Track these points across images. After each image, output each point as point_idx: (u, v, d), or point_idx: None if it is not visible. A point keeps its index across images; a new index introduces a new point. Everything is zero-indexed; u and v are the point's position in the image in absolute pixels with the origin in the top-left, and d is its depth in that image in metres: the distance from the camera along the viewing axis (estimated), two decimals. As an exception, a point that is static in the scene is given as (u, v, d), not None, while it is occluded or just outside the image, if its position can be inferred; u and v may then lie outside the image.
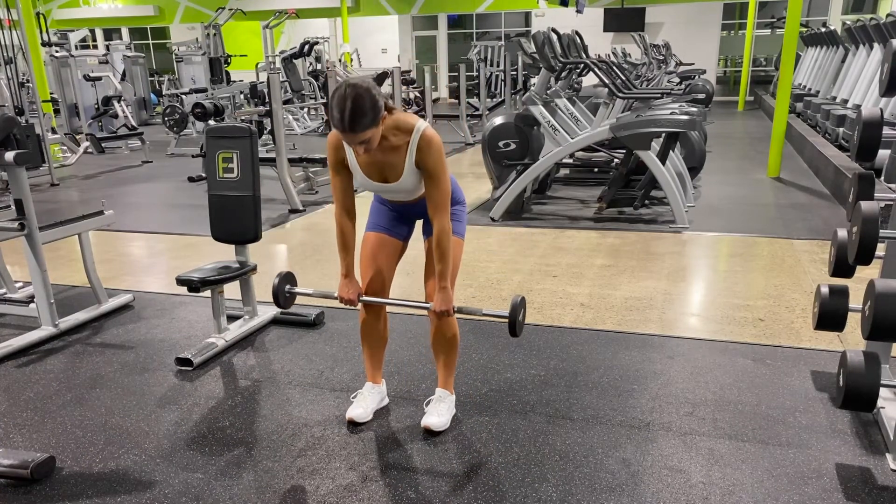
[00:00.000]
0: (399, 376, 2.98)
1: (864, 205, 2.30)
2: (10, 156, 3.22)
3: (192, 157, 8.98)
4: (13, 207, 3.32)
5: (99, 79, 11.05)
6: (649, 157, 5.43)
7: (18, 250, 3.87)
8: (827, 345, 3.21)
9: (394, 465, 2.34)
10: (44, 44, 11.27)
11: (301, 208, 6.33)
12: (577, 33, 6.67)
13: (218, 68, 12.04)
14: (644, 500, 2.13)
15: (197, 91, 11.36)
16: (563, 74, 6.40)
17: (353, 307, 2.51)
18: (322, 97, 12.39)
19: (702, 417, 2.60)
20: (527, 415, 2.65)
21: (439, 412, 2.55)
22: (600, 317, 3.63)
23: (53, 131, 9.17)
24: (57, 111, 10.98)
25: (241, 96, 11.53)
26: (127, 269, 4.73)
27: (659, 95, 6.33)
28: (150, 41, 23.44)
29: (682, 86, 9.47)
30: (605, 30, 17.85)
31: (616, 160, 6.71)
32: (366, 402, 2.63)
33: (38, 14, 10.16)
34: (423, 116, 10.70)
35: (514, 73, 13.62)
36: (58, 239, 3.59)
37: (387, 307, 2.59)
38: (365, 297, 2.48)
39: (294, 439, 2.52)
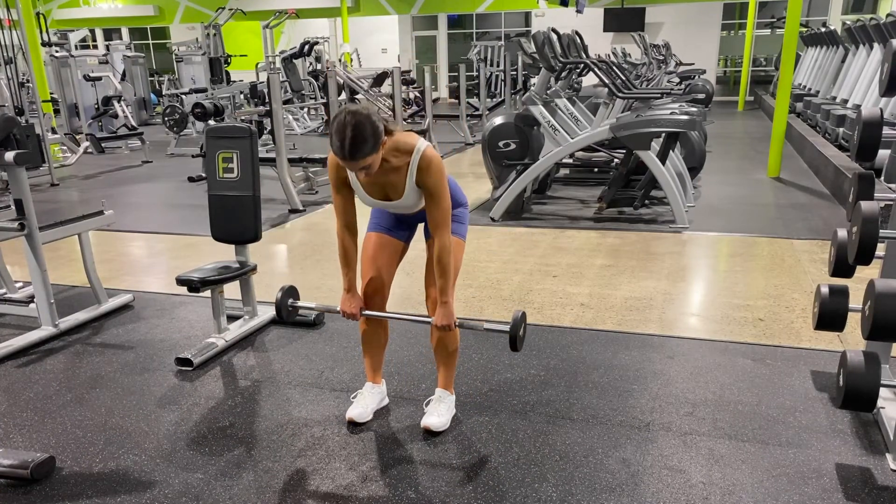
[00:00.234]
0: (399, 376, 2.98)
1: (864, 205, 2.30)
2: (10, 156, 3.22)
3: (192, 157, 8.98)
4: (13, 207, 3.32)
5: (99, 79, 11.06)
6: (649, 157, 5.43)
7: (18, 250, 3.87)
8: (827, 345, 3.21)
9: (394, 465, 2.34)
10: (44, 44, 11.27)
11: (301, 208, 6.33)
12: (577, 33, 6.67)
13: (218, 68, 12.05)
14: (644, 500, 2.13)
15: (197, 91, 11.36)
16: (563, 74, 6.40)
17: (355, 320, 2.53)
18: (322, 97, 12.39)
19: (702, 417, 2.60)
20: (527, 415, 2.64)
21: (439, 412, 2.55)
22: (600, 317, 3.63)
23: (53, 131, 9.17)
24: (57, 111, 10.98)
25: (241, 96, 11.53)
26: (127, 269, 4.73)
27: (659, 95, 6.34)
28: (150, 41, 23.44)
29: (682, 86, 9.48)
30: (605, 30, 17.85)
31: (616, 160, 6.71)
32: (366, 402, 2.63)
33: (38, 14, 10.16)
34: (422, 116, 10.72)
35: (514, 73, 13.62)
36: (58, 239, 3.59)
37: (386, 307, 2.59)
38: (367, 312, 2.50)
39: (294, 439, 2.52)
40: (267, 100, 7.45)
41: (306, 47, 13.07)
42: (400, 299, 3.88)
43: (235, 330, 3.41)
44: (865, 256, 2.29)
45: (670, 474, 2.26)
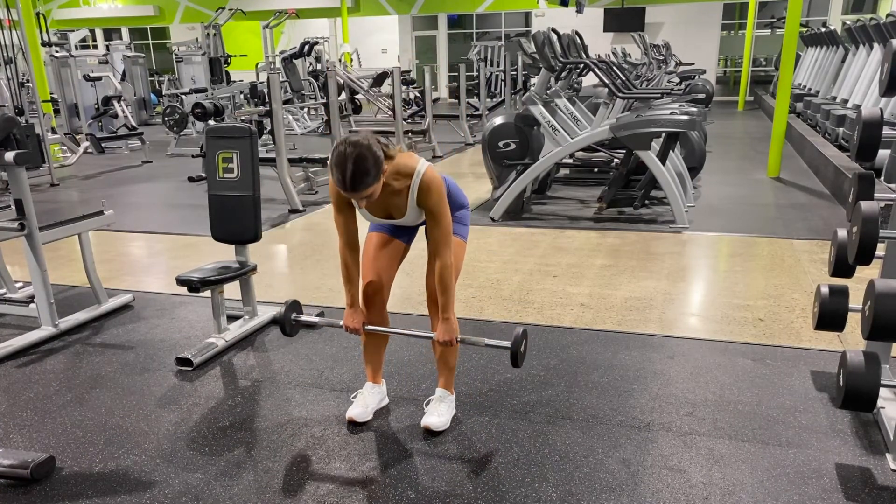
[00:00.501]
0: (399, 376, 2.98)
1: (864, 205, 2.30)
2: (10, 156, 3.22)
3: (192, 157, 8.98)
4: (13, 207, 3.32)
5: (99, 79, 11.05)
6: (649, 157, 5.43)
7: (18, 250, 3.87)
8: (827, 345, 3.21)
9: (394, 465, 2.34)
10: (44, 44, 11.27)
11: (301, 208, 6.33)
12: (577, 33, 6.67)
13: (218, 68, 12.04)
14: (644, 500, 2.13)
15: (197, 91, 11.35)
16: (563, 74, 6.40)
17: (358, 335, 2.55)
18: (322, 97, 12.39)
19: (702, 417, 2.60)
20: (527, 415, 2.64)
21: (439, 412, 2.55)
22: (600, 317, 3.63)
23: (53, 131, 9.17)
24: (57, 111, 10.98)
25: (241, 96, 11.53)
26: (127, 269, 4.73)
27: (659, 95, 6.33)
28: (150, 41, 23.43)
29: (682, 86, 9.48)
30: (605, 30, 17.85)
31: (616, 160, 6.71)
32: (366, 402, 2.63)
33: (38, 14, 10.16)
34: (422, 116, 10.71)
35: (514, 73, 13.62)
36: (58, 239, 3.59)
37: (386, 308, 2.60)
38: (370, 327, 2.52)
39: (294, 439, 2.52)
40: (267, 100, 7.45)
41: (306, 47, 13.07)
42: (400, 299, 3.89)
43: (235, 330, 3.41)
44: (865, 256, 2.29)
45: (670, 474, 2.26)
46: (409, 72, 15.51)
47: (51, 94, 10.44)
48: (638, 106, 6.46)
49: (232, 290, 3.45)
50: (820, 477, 2.23)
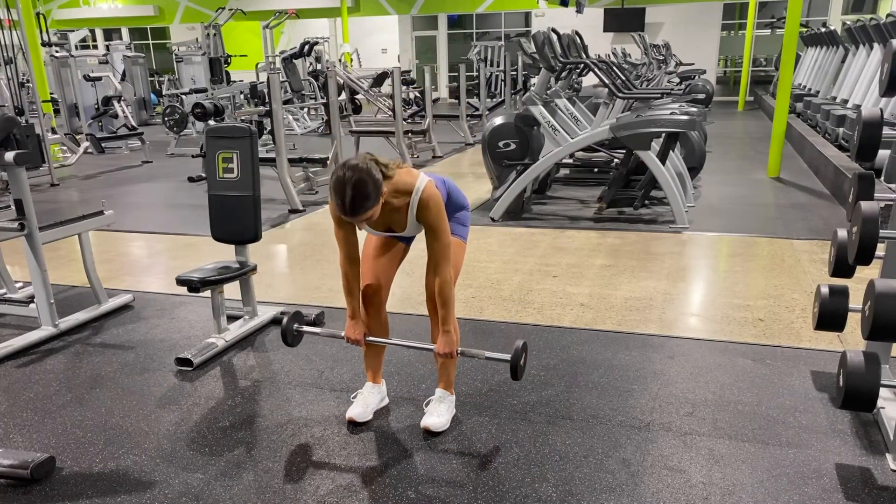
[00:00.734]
0: (399, 376, 2.98)
1: (864, 205, 2.30)
2: (10, 156, 3.22)
3: (192, 157, 8.98)
4: (13, 207, 3.32)
5: (99, 79, 11.05)
6: (649, 157, 5.43)
7: (18, 250, 3.87)
8: (827, 345, 3.21)
9: (394, 465, 2.34)
10: (44, 44, 11.27)
11: (301, 208, 6.33)
12: (577, 33, 6.67)
13: (218, 68, 12.04)
14: (644, 500, 2.13)
15: (197, 91, 11.36)
16: (563, 74, 6.40)
17: (359, 346, 2.55)
18: (322, 97, 12.39)
19: (702, 417, 2.60)
20: (527, 415, 2.64)
21: (439, 412, 2.55)
22: (600, 317, 3.63)
23: (53, 131, 9.17)
24: (57, 111, 10.98)
25: (241, 96, 11.53)
26: (127, 269, 4.73)
27: (659, 95, 6.33)
28: (150, 41, 23.44)
29: (682, 86, 9.48)
30: (605, 30, 17.86)
31: (616, 160, 6.71)
32: (366, 402, 2.63)
33: (38, 14, 10.16)
34: (422, 116, 10.71)
35: (514, 73, 13.62)
36: (58, 239, 3.59)
37: (386, 307, 2.60)
38: (371, 338, 2.54)
39: (294, 439, 2.52)
40: (267, 100, 7.45)
41: (306, 47, 13.07)
42: (400, 299, 3.89)
43: (235, 330, 3.41)
44: (865, 256, 2.29)
45: (670, 474, 2.26)
46: (409, 72, 15.52)
47: (51, 94, 10.44)
48: (638, 106, 6.46)
49: (232, 290, 3.45)
50: (820, 477, 2.23)
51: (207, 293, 3.24)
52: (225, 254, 3.53)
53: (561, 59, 6.07)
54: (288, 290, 4.24)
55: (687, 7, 17.88)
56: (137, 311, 3.88)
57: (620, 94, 6.01)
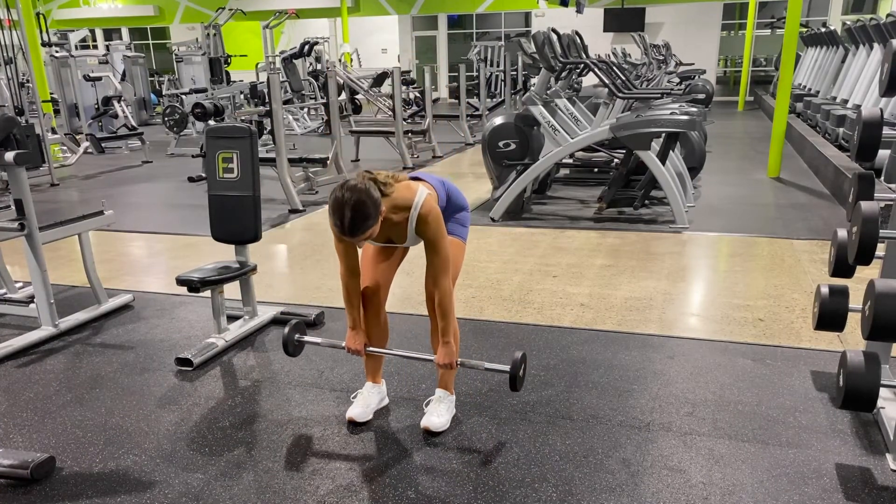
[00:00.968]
0: (399, 376, 2.98)
1: (864, 205, 2.30)
2: (10, 156, 3.22)
3: (192, 157, 8.98)
4: (13, 207, 3.32)
5: (99, 79, 11.05)
6: (649, 157, 5.43)
7: (18, 250, 3.87)
8: (827, 345, 3.21)
9: (394, 465, 2.34)
10: (44, 44, 11.27)
11: (301, 208, 6.33)
12: (577, 33, 6.67)
13: (218, 68, 12.04)
14: (644, 500, 2.13)
15: (197, 91, 11.36)
16: (563, 74, 6.40)
17: (360, 356, 2.56)
18: (322, 97, 12.38)
19: (702, 417, 2.60)
20: (527, 415, 2.65)
21: (439, 412, 2.55)
22: (600, 317, 3.63)
23: (53, 131, 9.17)
24: (57, 111, 10.98)
25: (241, 96, 11.53)
26: (127, 269, 4.73)
27: (659, 95, 6.33)
28: (150, 41, 23.44)
29: (682, 86, 9.48)
30: (605, 30, 17.86)
31: (616, 160, 6.71)
32: (366, 402, 2.63)
33: (38, 14, 10.16)
34: (422, 116, 10.71)
35: (514, 73, 13.62)
36: (58, 239, 3.59)
37: (385, 307, 2.60)
38: (371, 348, 2.54)
39: (294, 439, 2.52)
40: (267, 100, 7.45)
41: (306, 47, 13.07)
42: (400, 299, 3.89)
43: (235, 330, 3.41)
44: (865, 256, 2.29)
45: (670, 474, 2.26)
46: (409, 72, 15.52)
47: (51, 94, 10.44)
48: (638, 106, 6.46)
49: (232, 290, 3.45)
50: (820, 477, 2.23)
51: (207, 293, 3.24)
52: (225, 254, 3.53)
53: (561, 59, 6.07)
54: (288, 290, 4.24)
55: (687, 7, 17.88)
56: (137, 311, 3.88)
57: (620, 94, 6.01)
